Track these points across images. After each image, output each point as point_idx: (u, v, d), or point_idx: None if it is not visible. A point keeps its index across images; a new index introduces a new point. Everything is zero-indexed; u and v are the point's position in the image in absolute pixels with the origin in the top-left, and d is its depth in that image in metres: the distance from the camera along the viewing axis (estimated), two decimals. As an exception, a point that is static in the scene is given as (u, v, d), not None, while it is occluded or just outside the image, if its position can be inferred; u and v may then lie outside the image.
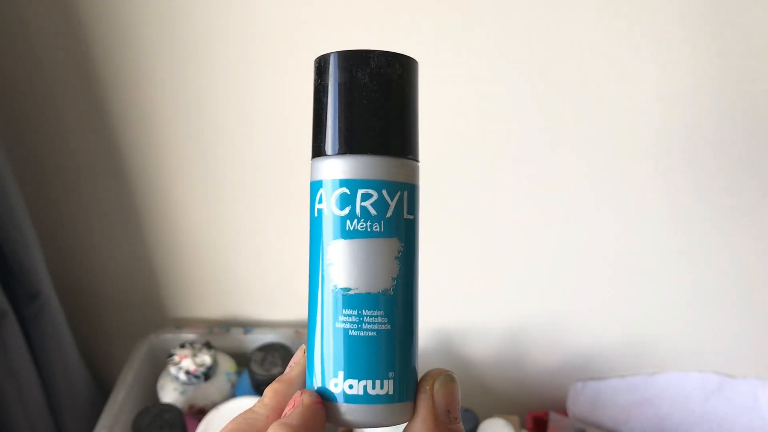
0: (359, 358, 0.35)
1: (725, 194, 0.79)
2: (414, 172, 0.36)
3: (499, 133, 0.77)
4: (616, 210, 0.82)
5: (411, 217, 0.36)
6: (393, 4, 0.70)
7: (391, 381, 0.35)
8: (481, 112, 0.76)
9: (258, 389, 0.87)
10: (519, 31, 0.71)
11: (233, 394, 0.89)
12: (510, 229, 0.85)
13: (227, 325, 0.97)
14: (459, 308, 0.93)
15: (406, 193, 0.36)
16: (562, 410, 0.98)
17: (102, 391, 0.97)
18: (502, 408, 1.02)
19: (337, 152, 0.35)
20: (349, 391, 0.35)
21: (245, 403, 0.82)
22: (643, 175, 0.79)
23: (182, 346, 0.89)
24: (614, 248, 0.85)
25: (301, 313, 0.96)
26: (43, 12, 0.73)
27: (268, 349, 0.89)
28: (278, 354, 0.88)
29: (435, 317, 0.95)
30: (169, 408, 0.82)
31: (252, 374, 0.86)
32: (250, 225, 0.88)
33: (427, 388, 0.36)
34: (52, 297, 0.83)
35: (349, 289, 0.35)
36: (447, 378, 0.36)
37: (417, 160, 0.37)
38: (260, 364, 0.87)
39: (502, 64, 0.73)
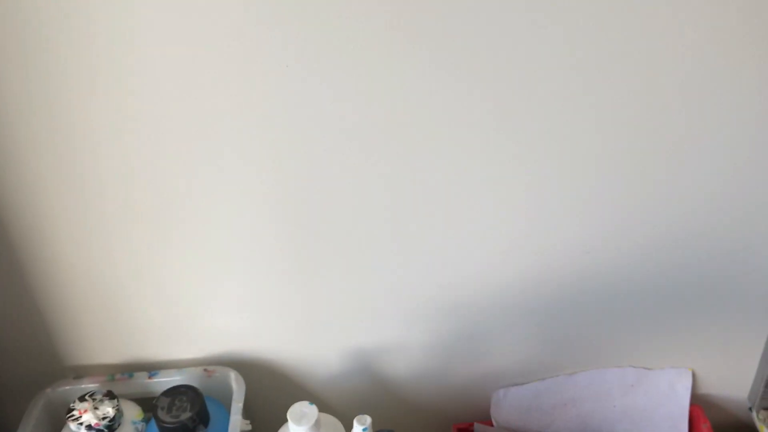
0: None
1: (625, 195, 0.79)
2: None
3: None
4: (515, 210, 0.80)
5: None
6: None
7: None
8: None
9: (168, 437, 0.81)
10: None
11: (141, 444, 0.84)
12: (419, 243, 0.82)
13: (130, 369, 0.91)
14: (375, 327, 0.90)
15: None
16: (487, 419, 0.96)
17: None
18: (425, 422, 1.00)
19: None
20: None
21: (153, 455, 0.77)
22: (553, 174, 0.78)
23: (82, 398, 0.83)
24: (520, 249, 0.84)
25: (209, 350, 0.91)
26: None
27: (174, 393, 0.83)
28: (186, 397, 0.83)
29: (352, 338, 0.91)
30: (70, 470, 0.76)
31: (159, 422, 0.81)
32: (145, 258, 0.82)
33: None
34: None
35: None
36: None
37: None
38: (167, 410, 0.82)
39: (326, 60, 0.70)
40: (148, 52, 0.66)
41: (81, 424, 0.81)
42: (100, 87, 0.68)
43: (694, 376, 0.96)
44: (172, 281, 0.84)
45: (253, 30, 0.65)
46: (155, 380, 0.89)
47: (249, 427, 0.85)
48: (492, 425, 0.96)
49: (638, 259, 0.85)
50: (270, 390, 0.94)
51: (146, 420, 0.86)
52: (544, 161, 0.76)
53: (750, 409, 0.99)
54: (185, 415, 0.81)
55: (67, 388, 0.89)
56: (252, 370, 0.91)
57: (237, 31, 0.65)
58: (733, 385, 0.99)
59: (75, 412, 0.82)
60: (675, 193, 0.79)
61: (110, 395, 0.84)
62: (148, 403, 0.87)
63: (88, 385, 0.89)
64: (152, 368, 0.91)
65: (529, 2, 0.65)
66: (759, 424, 0.97)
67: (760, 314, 0.91)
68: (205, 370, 0.90)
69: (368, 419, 0.75)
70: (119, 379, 0.89)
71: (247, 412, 0.85)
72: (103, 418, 0.81)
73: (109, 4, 0.63)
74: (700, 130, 0.74)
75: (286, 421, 0.83)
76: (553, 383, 0.96)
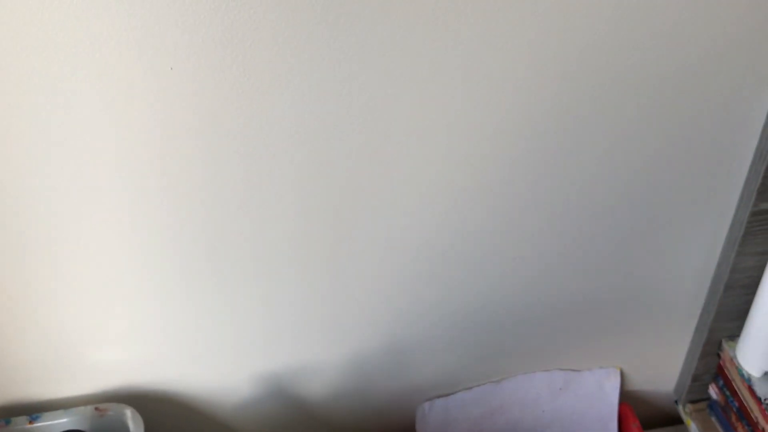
0: None
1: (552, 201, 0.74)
2: None
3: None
4: (440, 215, 0.74)
5: None
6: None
7: None
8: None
9: (54, 492, 0.71)
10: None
11: (23, 502, 0.73)
12: (330, 258, 0.75)
13: (7, 414, 0.80)
14: (286, 348, 0.82)
15: None
16: (413, 434, 0.91)
17: None
18: (349, 442, 0.93)
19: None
20: None
21: None
22: (473, 181, 0.72)
23: (-53, 454, 0.72)
24: (443, 257, 0.78)
25: (99, 384, 0.80)
26: None
27: (61, 440, 0.73)
28: (74, 445, 0.73)
29: (262, 362, 0.83)
30: None
31: (43, 477, 0.71)
32: (18, 288, 0.71)
33: None
34: None
35: None
36: None
37: None
38: (52, 462, 0.71)
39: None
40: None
41: (-53, 486, 0.69)
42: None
43: (621, 374, 0.93)
44: (50, 312, 0.74)
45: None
46: (37, 425, 0.78)
47: (150, 473, 0.76)
48: (418, 440, 0.90)
49: (562, 262, 0.81)
50: (173, 425, 0.85)
51: (29, 472, 0.76)
52: (469, 170, 0.70)
53: (676, 402, 0.97)
54: (74, 467, 0.71)
55: (-71, 443, 0.77)
56: (151, 405, 0.82)
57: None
58: (659, 380, 0.97)
59: (-60, 473, 0.70)
60: (595, 196, 0.75)
61: (-18, 449, 0.72)
62: (30, 451, 0.77)
63: (-45, 437, 0.77)
64: (33, 411, 0.80)
65: None
66: (685, 417, 0.95)
67: (685, 310, 0.89)
68: (96, 408, 0.79)
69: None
70: (-6, 427, 0.78)
71: (148, 452, 0.76)
72: (-25, 477, 0.70)
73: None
74: (615, 140, 0.70)
75: (192, 459, 0.75)
76: (479, 392, 0.91)
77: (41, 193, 0.64)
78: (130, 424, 0.78)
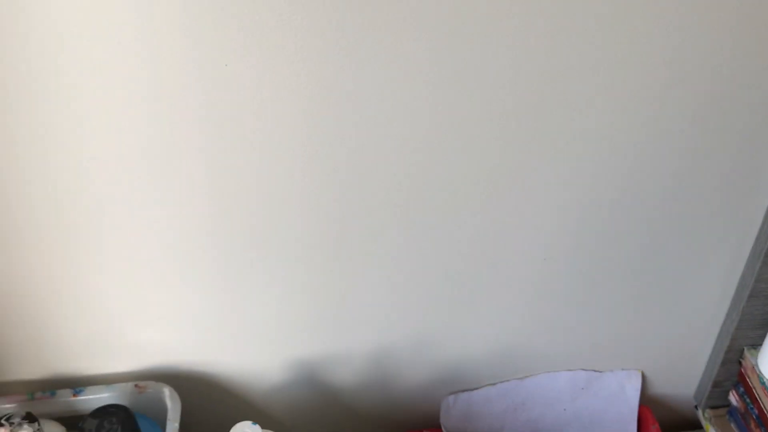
0: None
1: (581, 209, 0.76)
2: None
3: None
4: (474, 221, 0.76)
5: None
6: None
7: None
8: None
9: (96, 462, 0.75)
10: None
11: (67, 470, 0.77)
12: (362, 252, 0.77)
13: (52, 386, 0.83)
14: (318, 336, 0.85)
15: None
16: (437, 426, 0.93)
17: None
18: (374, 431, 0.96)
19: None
20: None
21: (80, 486, 0.70)
22: (504, 187, 0.74)
23: (-3, 422, 0.75)
24: (474, 258, 0.80)
25: (139, 363, 0.84)
26: None
27: (103, 414, 0.77)
28: (116, 419, 0.76)
29: (294, 349, 0.86)
30: (-15, 506, 0.68)
31: (86, 447, 0.74)
32: (66, 269, 0.75)
33: None
34: None
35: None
36: None
37: None
38: (95, 433, 0.75)
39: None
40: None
41: (-3, 451, 0.73)
42: (17, 90, 0.61)
43: (643, 376, 0.95)
44: (96, 293, 0.77)
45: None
46: (81, 398, 0.82)
47: (186, 448, 0.79)
48: (441, 432, 0.93)
49: (592, 265, 0.83)
50: (208, 406, 0.88)
51: (71, 442, 0.79)
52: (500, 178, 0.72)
53: (696, 407, 0.99)
54: (116, 438, 0.74)
55: (-19, 410, 0.81)
56: (187, 385, 0.85)
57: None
58: (680, 384, 0.99)
59: (-10, 439, 0.74)
60: (626, 196, 0.77)
61: (30, 417, 0.76)
62: (72, 423, 0.80)
63: (5, 406, 0.81)
64: (77, 384, 0.84)
65: None
66: (705, 423, 0.97)
67: (708, 317, 0.91)
68: (136, 385, 0.83)
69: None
70: (40, 398, 0.82)
71: (184, 428, 0.79)
72: (23, 444, 0.74)
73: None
74: (647, 154, 0.72)
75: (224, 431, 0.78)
76: (503, 388, 0.94)
77: (89, 173, 0.68)
78: (168, 402, 0.82)
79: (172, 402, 0.81)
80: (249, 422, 0.75)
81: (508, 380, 0.93)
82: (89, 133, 0.65)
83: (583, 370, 0.94)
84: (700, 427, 0.99)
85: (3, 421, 0.75)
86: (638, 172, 0.75)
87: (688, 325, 0.92)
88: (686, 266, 0.85)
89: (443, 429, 0.93)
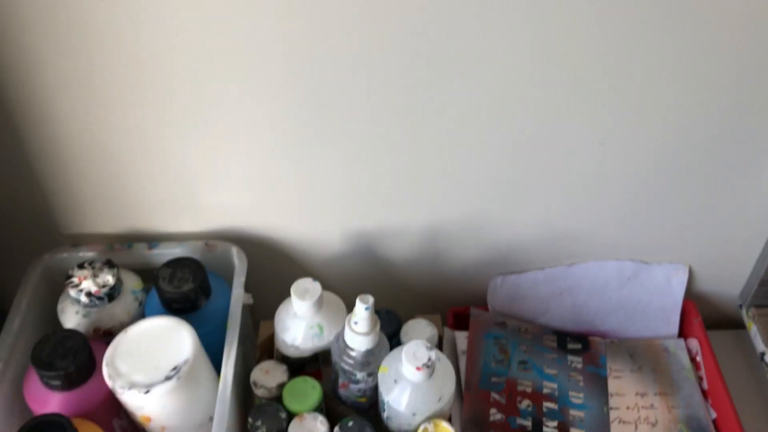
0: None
1: (641, 84, 0.77)
2: None
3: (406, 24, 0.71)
4: (531, 101, 0.78)
5: None
6: None
7: None
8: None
9: (168, 307, 0.81)
10: None
11: (142, 313, 0.84)
12: (425, 126, 0.80)
13: (129, 240, 0.90)
14: (377, 210, 0.89)
15: None
16: (483, 305, 0.97)
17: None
18: (423, 306, 1.01)
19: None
20: None
21: (156, 324, 0.76)
22: (562, 64, 0.75)
23: (81, 266, 0.82)
24: (530, 140, 0.82)
25: (210, 225, 0.90)
26: None
27: (176, 264, 0.83)
28: (188, 269, 0.82)
29: (354, 220, 0.90)
30: (72, 334, 0.75)
31: (161, 292, 0.81)
32: (147, 132, 0.79)
33: None
34: None
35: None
36: None
37: None
38: (169, 281, 0.81)
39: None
40: None
41: (80, 291, 0.80)
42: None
43: (690, 272, 0.97)
44: (173, 154, 0.82)
45: None
46: (155, 252, 0.88)
47: (251, 301, 0.85)
48: (488, 311, 0.97)
49: (649, 152, 0.83)
50: (270, 268, 0.94)
51: (146, 290, 0.86)
52: (556, 54, 0.73)
53: (740, 306, 1.01)
54: (187, 287, 0.80)
55: (65, 255, 0.88)
56: (253, 247, 0.91)
57: None
58: (726, 282, 1.00)
59: (74, 279, 0.81)
60: (683, 80, 0.77)
61: (110, 264, 0.83)
62: (146, 275, 0.87)
63: (87, 254, 0.88)
64: (152, 240, 0.90)
65: None
66: (747, 321, 0.99)
67: (762, 215, 0.91)
68: (206, 244, 0.89)
69: (371, 299, 0.75)
70: (118, 249, 0.88)
71: (248, 289, 0.85)
72: (103, 286, 0.80)
73: None
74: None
75: (285, 298, 0.83)
76: (551, 273, 0.97)
77: (186, 50, 0.71)
78: (235, 260, 0.87)
79: (239, 260, 0.87)
80: (310, 278, 0.80)
81: (556, 266, 0.96)
82: (179, 9, 0.68)
83: (631, 260, 0.96)
84: (743, 326, 1.01)
85: (86, 265, 0.82)
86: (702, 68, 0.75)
87: (740, 224, 0.92)
88: (744, 164, 0.85)
89: (489, 308, 0.97)
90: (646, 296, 0.97)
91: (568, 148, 0.83)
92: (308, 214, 0.89)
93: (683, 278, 0.96)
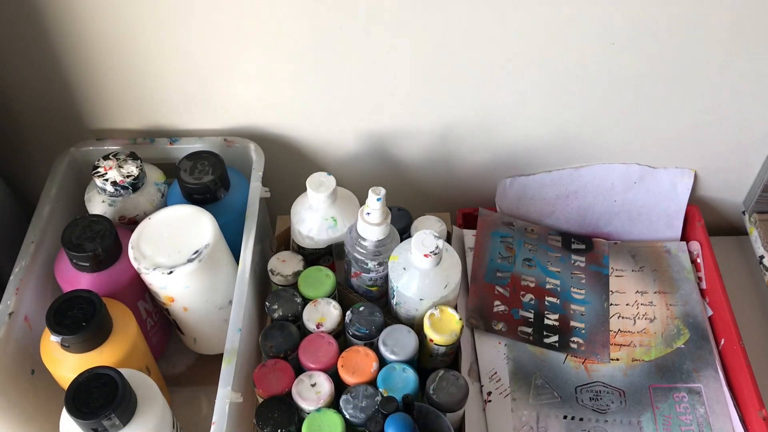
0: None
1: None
2: None
3: None
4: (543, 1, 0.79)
5: None
6: None
7: None
8: None
9: (189, 198, 0.85)
10: None
11: (164, 203, 0.88)
12: (434, 27, 0.81)
13: (151, 135, 0.93)
14: (389, 111, 0.92)
15: None
16: (491, 206, 1.01)
17: (25, 212, 0.93)
18: (433, 207, 1.04)
19: None
20: None
21: (179, 212, 0.80)
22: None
23: (106, 157, 0.86)
24: (541, 41, 0.83)
25: (228, 122, 0.93)
26: None
27: (197, 157, 0.86)
28: (207, 162, 0.85)
29: (366, 122, 0.93)
30: (99, 219, 0.80)
31: (182, 183, 0.84)
32: (169, 27, 0.81)
33: None
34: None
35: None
36: None
37: None
38: (189, 172, 0.85)
39: None
40: None
41: (106, 180, 0.84)
42: None
43: (695, 177, 0.99)
44: (194, 50, 0.84)
45: None
46: (176, 146, 0.92)
47: (268, 195, 0.88)
48: (496, 212, 1.00)
49: (660, 54, 0.84)
50: (286, 164, 0.97)
51: (168, 183, 0.90)
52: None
53: (743, 212, 1.03)
54: (207, 178, 0.84)
55: (91, 148, 0.91)
56: (270, 144, 0.94)
57: None
58: (731, 189, 1.02)
59: (100, 169, 0.85)
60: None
61: (134, 156, 0.86)
62: (168, 169, 0.90)
63: (111, 147, 0.91)
64: (173, 135, 0.93)
65: None
66: (750, 226, 1.01)
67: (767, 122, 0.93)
68: (225, 140, 0.92)
69: (382, 190, 0.77)
70: (141, 143, 0.92)
71: (265, 185, 0.89)
72: (128, 176, 0.84)
73: None
74: None
75: (300, 192, 0.87)
76: (558, 175, 0.99)
77: None
78: (253, 156, 0.91)
79: (257, 155, 0.91)
80: (325, 173, 0.84)
81: (563, 168, 0.99)
82: None
83: (637, 164, 0.98)
84: (745, 233, 1.04)
85: (111, 156, 0.86)
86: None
87: (746, 131, 0.94)
88: (752, 71, 0.86)
89: (497, 208, 1.00)
90: (651, 200, 1.00)
91: (579, 47, 0.84)
92: (323, 113, 0.92)
93: (688, 183, 0.98)
